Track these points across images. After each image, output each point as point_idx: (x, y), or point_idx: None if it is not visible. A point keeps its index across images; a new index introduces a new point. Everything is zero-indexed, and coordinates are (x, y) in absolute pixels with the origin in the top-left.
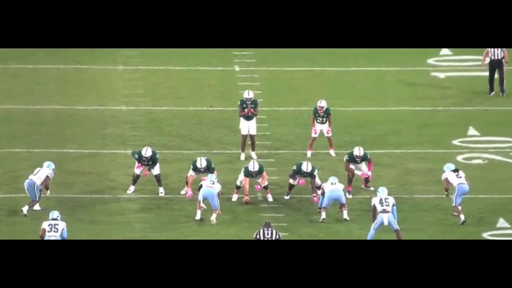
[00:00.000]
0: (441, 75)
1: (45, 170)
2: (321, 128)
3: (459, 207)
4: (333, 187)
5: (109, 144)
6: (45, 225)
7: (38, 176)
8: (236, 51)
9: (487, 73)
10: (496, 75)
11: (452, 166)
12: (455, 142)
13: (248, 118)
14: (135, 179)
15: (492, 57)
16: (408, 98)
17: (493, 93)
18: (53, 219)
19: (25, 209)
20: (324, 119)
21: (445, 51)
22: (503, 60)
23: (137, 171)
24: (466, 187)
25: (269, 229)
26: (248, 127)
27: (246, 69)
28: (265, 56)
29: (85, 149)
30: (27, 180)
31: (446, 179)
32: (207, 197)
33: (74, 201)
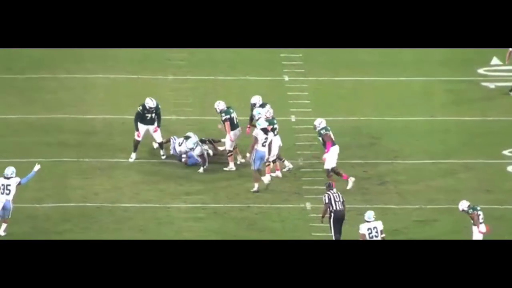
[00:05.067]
0: (491, 85)
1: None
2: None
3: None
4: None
5: (159, 153)
6: None
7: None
8: (285, 61)
9: None
10: None
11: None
12: (505, 152)
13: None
14: (136, 144)
15: None
16: (457, 108)
17: None
18: (6, 177)
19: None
20: None
21: (495, 61)
22: None
23: (138, 138)
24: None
25: (334, 190)
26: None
27: (295, 79)
28: (314, 65)
29: (135, 158)
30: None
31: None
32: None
33: (123, 210)
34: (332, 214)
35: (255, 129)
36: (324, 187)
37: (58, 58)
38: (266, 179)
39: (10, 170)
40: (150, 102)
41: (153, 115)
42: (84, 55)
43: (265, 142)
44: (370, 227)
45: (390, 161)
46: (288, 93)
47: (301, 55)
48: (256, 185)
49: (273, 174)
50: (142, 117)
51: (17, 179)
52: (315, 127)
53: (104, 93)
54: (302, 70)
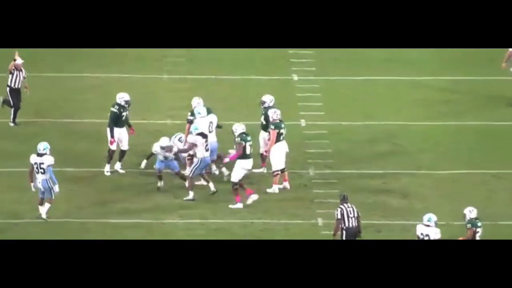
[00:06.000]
0: None
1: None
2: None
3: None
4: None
5: (152, 162)
6: (32, 160)
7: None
8: (294, 59)
9: None
10: None
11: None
12: None
13: None
14: (111, 155)
15: None
16: (488, 110)
17: None
18: (39, 154)
19: None
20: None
21: None
22: None
23: (113, 147)
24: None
25: (348, 203)
26: None
27: (306, 78)
28: (326, 63)
29: (125, 168)
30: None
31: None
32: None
33: (113, 225)
34: (344, 232)
35: (192, 135)
36: (338, 201)
37: (43, 55)
38: (273, 190)
39: (42, 146)
40: (125, 96)
41: (127, 112)
42: (69, 52)
43: (206, 146)
44: (423, 233)
45: (413, 172)
46: (298, 94)
47: (311, 51)
48: (191, 193)
49: (281, 186)
50: (118, 118)
51: (50, 160)
52: (233, 132)
53: (92, 94)
54: (313, 69)
